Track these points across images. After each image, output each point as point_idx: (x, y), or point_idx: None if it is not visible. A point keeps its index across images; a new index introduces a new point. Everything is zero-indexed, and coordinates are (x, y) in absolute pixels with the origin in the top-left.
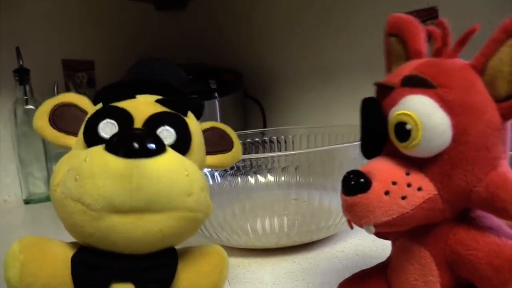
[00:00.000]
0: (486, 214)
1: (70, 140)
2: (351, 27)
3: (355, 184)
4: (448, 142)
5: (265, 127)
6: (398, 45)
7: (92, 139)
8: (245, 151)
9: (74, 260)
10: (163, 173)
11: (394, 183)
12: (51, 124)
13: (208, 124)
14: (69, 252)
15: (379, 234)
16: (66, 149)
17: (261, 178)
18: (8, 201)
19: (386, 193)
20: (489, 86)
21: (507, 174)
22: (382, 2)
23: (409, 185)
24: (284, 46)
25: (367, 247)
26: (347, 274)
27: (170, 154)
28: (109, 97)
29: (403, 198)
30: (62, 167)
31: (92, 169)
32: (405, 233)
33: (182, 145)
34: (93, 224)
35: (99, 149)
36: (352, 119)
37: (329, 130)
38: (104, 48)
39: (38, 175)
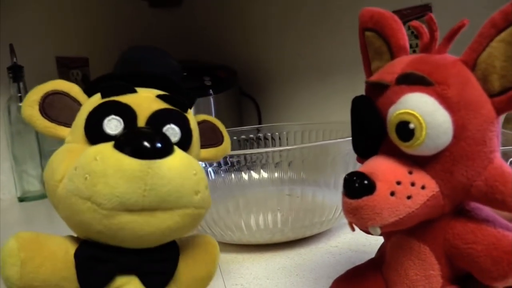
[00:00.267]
0: (481, 205)
1: (61, 130)
2: (345, 24)
3: (359, 186)
4: (450, 138)
5: (260, 124)
6: (378, 40)
7: (96, 135)
8: (240, 147)
9: (78, 254)
10: (175, 173)
11: (398, 183)
12: (41, 114)
13: (200, 117)
14: (69, 247)
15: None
16: (59, 141)
17: (254, 174)
18: (2, 199)
19: (392, 193)
20: (481, 81)
21: (503, 167)
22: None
23: (413, 184)
24: (279, 44)
25: (360, 242)
26: (341, 269)
27: (179, 154)
28: (109, 91)
29: (409, 197)
30: (63, 163)
31: (105, 169)
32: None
33: (185, 143)
34: (102, 222)
35: (109, 147)
36: (347, 116)
37: (324, 127)
38: (98, 45)
39: (32, 173)
